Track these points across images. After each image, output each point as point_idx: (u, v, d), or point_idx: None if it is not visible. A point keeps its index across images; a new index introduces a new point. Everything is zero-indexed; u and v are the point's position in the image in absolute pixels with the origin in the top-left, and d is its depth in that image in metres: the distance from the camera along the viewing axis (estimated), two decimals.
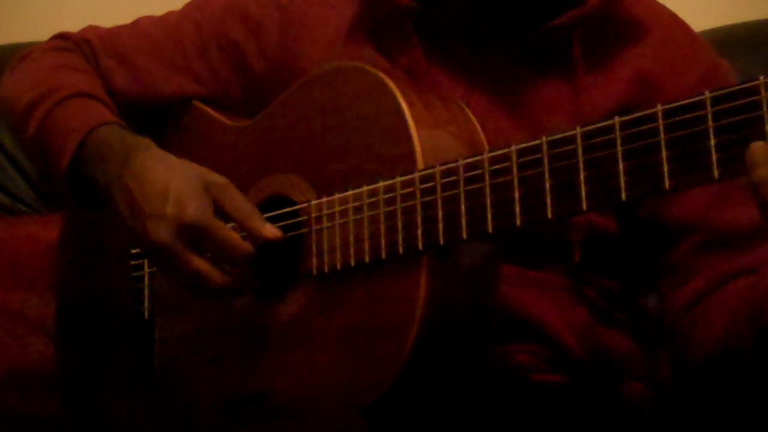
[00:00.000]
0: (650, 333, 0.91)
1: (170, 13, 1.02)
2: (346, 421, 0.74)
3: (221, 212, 0.85)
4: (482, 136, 0.81)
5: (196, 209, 0.83)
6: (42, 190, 1.38)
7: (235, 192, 0.85)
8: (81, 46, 1.02)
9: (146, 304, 0.97)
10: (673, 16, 0.91)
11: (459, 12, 0.89)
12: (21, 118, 0.95)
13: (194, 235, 0.83)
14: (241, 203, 0.85)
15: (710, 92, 0.59)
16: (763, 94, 0.55)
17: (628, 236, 0.87)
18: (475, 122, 0.82)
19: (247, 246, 0.83)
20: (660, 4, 0.92)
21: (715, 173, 0.58)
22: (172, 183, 0.84)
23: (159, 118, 1.01)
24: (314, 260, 0.82)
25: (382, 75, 0.81)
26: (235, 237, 0.83)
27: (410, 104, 0.78)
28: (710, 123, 0.58)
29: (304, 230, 0.84)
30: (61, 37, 1.04)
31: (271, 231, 0.84)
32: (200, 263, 0.83)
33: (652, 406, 0.87)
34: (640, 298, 0.93)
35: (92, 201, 0.91)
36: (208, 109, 0.98)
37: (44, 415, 1.19)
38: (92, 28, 1.04)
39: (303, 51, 0.93)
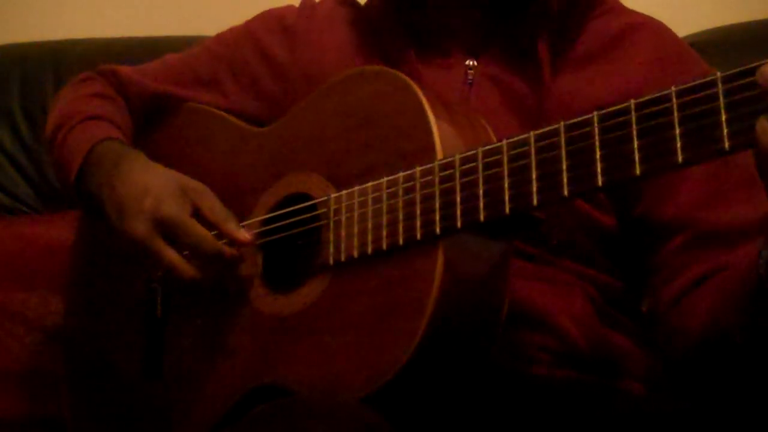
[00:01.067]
0: (648, 336, 0.94)
1: (194, 48, 1.08)
2: (365, 420, 0.75)
3: (199, 215, 0.91)
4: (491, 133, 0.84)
5: (170, 206, 0.90)
6: (42, 190, 1.38)
7: (212, 197, 0.92)
8: (106, 75, 1.08)
9: (159, 303, 0.98)
10: (660, 27, 0.94)
11: (442, 13, 0.93)
12: (50, 142, 1.04)
13: (169, 229, 0.90)
14: (217, 208, 0.91)
15: (721, 73, 0.63)
16: None
17: (626, 235, 0.90)
18: (491, 132, 0.84)
19: (218, 244, 0.89)
20: (645, 15, 0.96)
21: (727, 145, 0.62)
22: (153, 184, 0.91)
23: (175, 122, 1.05)
24: (331, 250, 0.84)
25: (404, 76, 0.84)
26: (206, 234, 0.89)
27: (432, 104, 0.81)
28: (721, 100, 0.62)
29: (323, 222, 0.85)
30: (96, 69, 1.09)
31: (243, 235, 0.90)
32: (173, 256, 0.90)
33: (651, 407, 0.89)
34: (639, 301, 0.96)
35: (98, 210, 0.98)
36: (227, 115, 1.02)
37: (44, 414, 1.19)
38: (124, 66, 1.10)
39: (313, 63, 0.98)
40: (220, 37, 1.08)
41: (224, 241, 0.90)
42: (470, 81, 0.92)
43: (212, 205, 0.91)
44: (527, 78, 0.90)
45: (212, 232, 0.90)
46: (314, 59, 0.98)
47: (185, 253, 0.91)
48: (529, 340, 0.87)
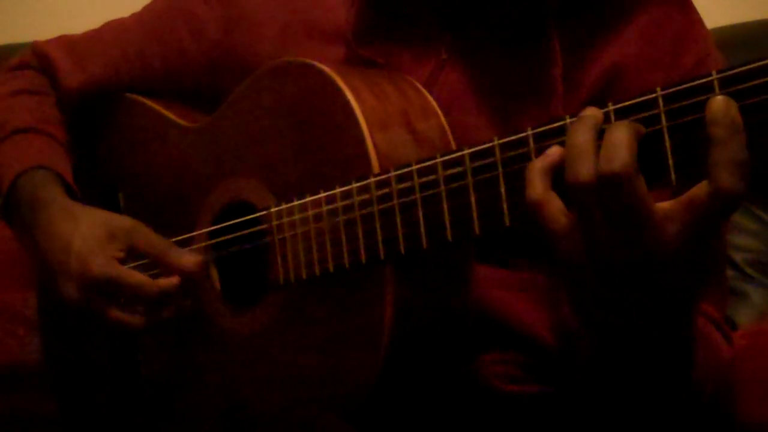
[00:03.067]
0: None
1: (131, 15, 1.01)
2: (332, 427, 0.73)
3: (137, 254, 0.85)
4: (443, 120, 0.77)
5: (99, 263, 0.83)
6: None
7: (144, 231, 0.85)
8: (40, 60, 1.02)
9: None
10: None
11: None
12: None
13: (103, 288, 0.83)
14: (153, 241, 0.85)
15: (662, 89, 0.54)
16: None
17: None
18: (435, 106, 0.77)
19: (158, 285, 0.83)
20: None
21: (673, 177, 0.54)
22: (75, 237, 0.85)
23: (110, 119, 1.00)
24: (280, 270, 0.80)
25: (329, 71, 0.77)
26: (143, 281, 0.83)
27: (361, 101, 0.75)
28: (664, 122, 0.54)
29: (267, 239, 0.81)
30: (30, 49, 1.05)
31: (190, 261, 0.84)
32: (115, 313, 0.84)
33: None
34: None
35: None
36: (161, 108, 0.95)
37: (44, 415, 1.19)
38: (59, 38, 1.04)
39: (249, 46, 0.90)
40: (153, 5, 0.99)
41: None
42: (444, 60, 0.82)
43: (147, 240, 0.85)
44: (523, 65, 0.79)
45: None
46: (250, 43, 0.90)
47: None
48: (503, 358, 0.82)
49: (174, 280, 0.84)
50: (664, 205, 0.56)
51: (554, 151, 0.59)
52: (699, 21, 0.84)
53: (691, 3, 0.84)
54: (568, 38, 0.79)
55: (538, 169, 0.58)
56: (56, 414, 1.09)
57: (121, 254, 0.85)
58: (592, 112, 0.57)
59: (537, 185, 0.58)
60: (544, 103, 0.78)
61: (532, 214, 0.59)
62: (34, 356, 1.22)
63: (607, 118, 0.56)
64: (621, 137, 0.54)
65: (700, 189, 0.54)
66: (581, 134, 0.56)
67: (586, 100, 0.78)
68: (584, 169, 0.55)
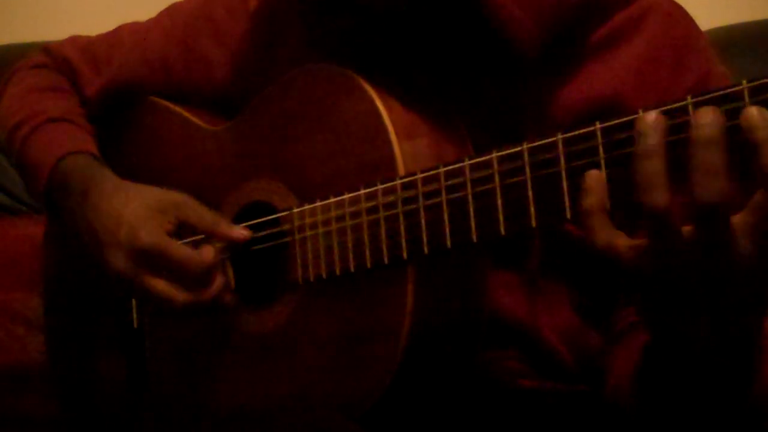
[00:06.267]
0: None
1: (149, 20, 1.01)
2: (340, 427, 0.73)
3: (187, 228, 0.86)
4: (465, 131, 0.78)
5: (148, 233, 0.84)
6: None
7: (195, 204, 0.86)
8: (58, 62, 1.03)
9: (134, 314, 0.96)
10: (669, 12, 0.82)
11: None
12: (7, 139, 1.00)
13: (150, 259, 0.84)
14: (203, 214, 0.86)
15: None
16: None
17: None
18: (457, 118, 0.79)
19: (202, 259, 0.84)
20: None
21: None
22: (126, 210, 0.86)
23: (131, 121, 1.00)
24: (299, 269, 0.81)
25: (357, 76, 0.78)
26: (188, 253, 0.84)
27: (388, 106, 0.76)
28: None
29: (288, 239, 0.82)
30: (45, 52, 1.05)
31: (239, 233, 0.84)
32: (160, 285, 0.84)
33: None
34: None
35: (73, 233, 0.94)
36: (183, 111, 0.96)
37: (45, 415, 1.19)
38: (73, 40, 1.05)
39: (273, 57, 0.91)
40: (174, 11, 0.99)
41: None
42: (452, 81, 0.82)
43: (197, 213, 0.86)
44: (524, 80, 0.79)
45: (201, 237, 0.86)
46: (275, 54, 0.91)
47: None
48: (513, 355, 0.83)
49: (218, 250, 0.84)
50: (734, 219, 0.56)
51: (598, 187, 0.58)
52: (699, 36, 0.83)
53: (689, 17, 0.83)
54: (546, 73, 0.78)
55: (597, 215, 0.58)
56: (57, 414, 1.09)
57: (170, 226, 0.85)
58: (655, 124, 0.56)
59: (601, 234, 0.58)
60: (543, 116, 0.78)
61: (602, 255, 0.59)
62: (35, 356, 1.22)
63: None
64: (713, 160, 0.53)
65: (763, 196, 0.54)
66: (654, 162, 0.55)
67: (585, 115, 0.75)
68: (662, 198, 0.55)
